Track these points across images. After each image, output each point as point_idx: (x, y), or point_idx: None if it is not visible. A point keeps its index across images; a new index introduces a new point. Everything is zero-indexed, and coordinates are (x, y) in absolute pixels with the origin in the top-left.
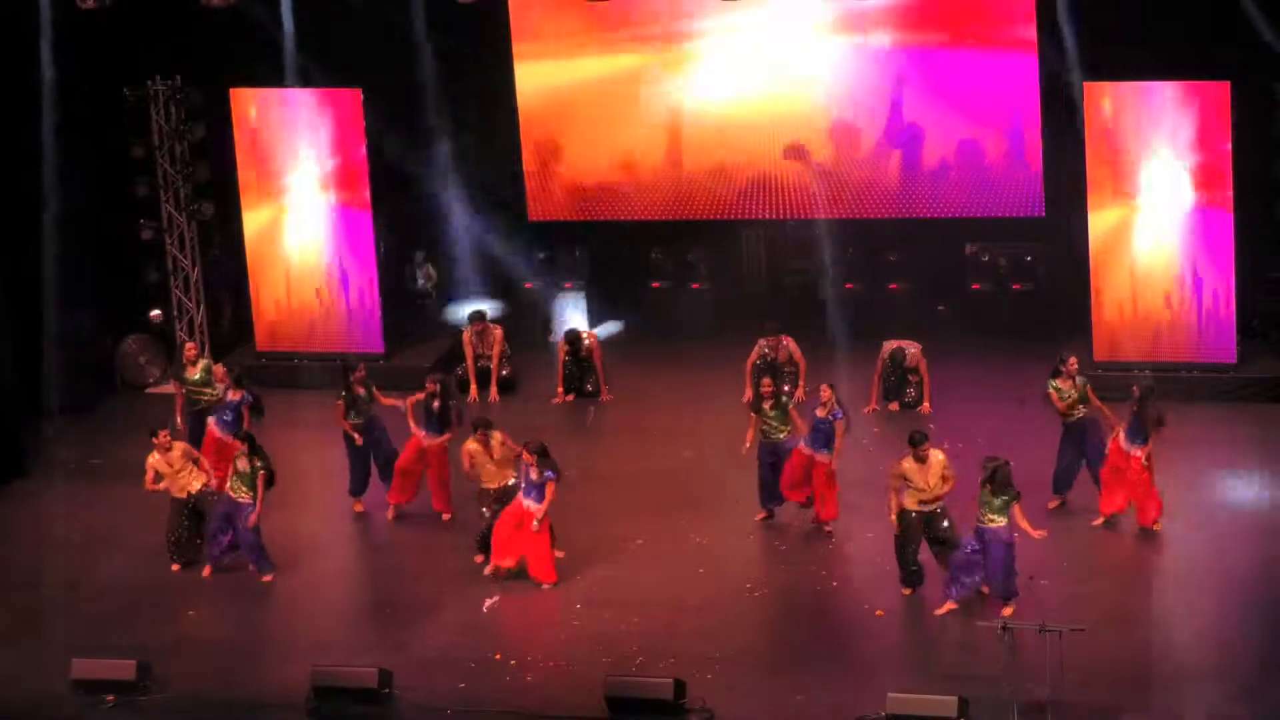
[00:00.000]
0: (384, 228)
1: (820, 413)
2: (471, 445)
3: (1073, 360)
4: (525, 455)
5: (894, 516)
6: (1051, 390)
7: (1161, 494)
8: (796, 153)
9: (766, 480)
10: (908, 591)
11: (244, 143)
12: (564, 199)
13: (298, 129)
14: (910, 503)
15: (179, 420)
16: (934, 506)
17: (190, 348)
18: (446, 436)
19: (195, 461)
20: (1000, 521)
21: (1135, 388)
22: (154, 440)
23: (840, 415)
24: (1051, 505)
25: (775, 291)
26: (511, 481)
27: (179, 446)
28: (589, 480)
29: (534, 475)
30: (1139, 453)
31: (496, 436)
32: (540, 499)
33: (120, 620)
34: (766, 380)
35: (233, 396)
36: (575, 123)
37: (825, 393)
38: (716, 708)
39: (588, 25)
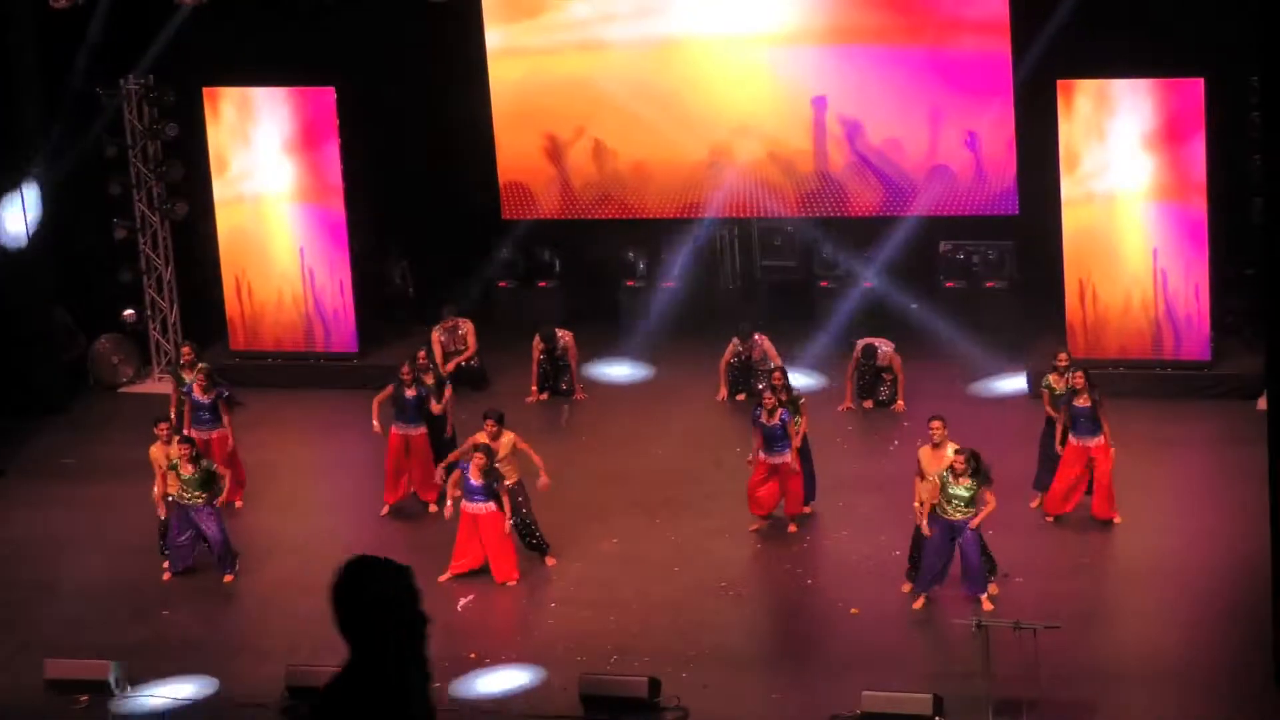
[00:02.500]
0: (358, 226)
1: (770, 420)
2: (480, 438)
3: (1062, 355)
4: (477, 458)
5: (916, 503)
6: (1044, 389)
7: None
8: (770, 151)
9: None
10: (908, 587)
11: (217, 141)
12: (539, 197)
13: (271, 127)
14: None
15: (173, 416)
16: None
17: (187, 350)
18: (422, 428)
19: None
20: (970, 513)
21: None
22: (155, 430)
23: (789, 416)
24: (1034, 504)
25: (751, 289)
26: (512, 481)
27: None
28: (563, 479)
29: (477, 480)
30: (1098, 443)
31: (508, 437)
32: (487, 499)
33: (94, 620)
34: (768, 397)
35: (202, 397)
36: (550, 120)
37: (769, 400)
38: (691, 706)
39: (561, 21)
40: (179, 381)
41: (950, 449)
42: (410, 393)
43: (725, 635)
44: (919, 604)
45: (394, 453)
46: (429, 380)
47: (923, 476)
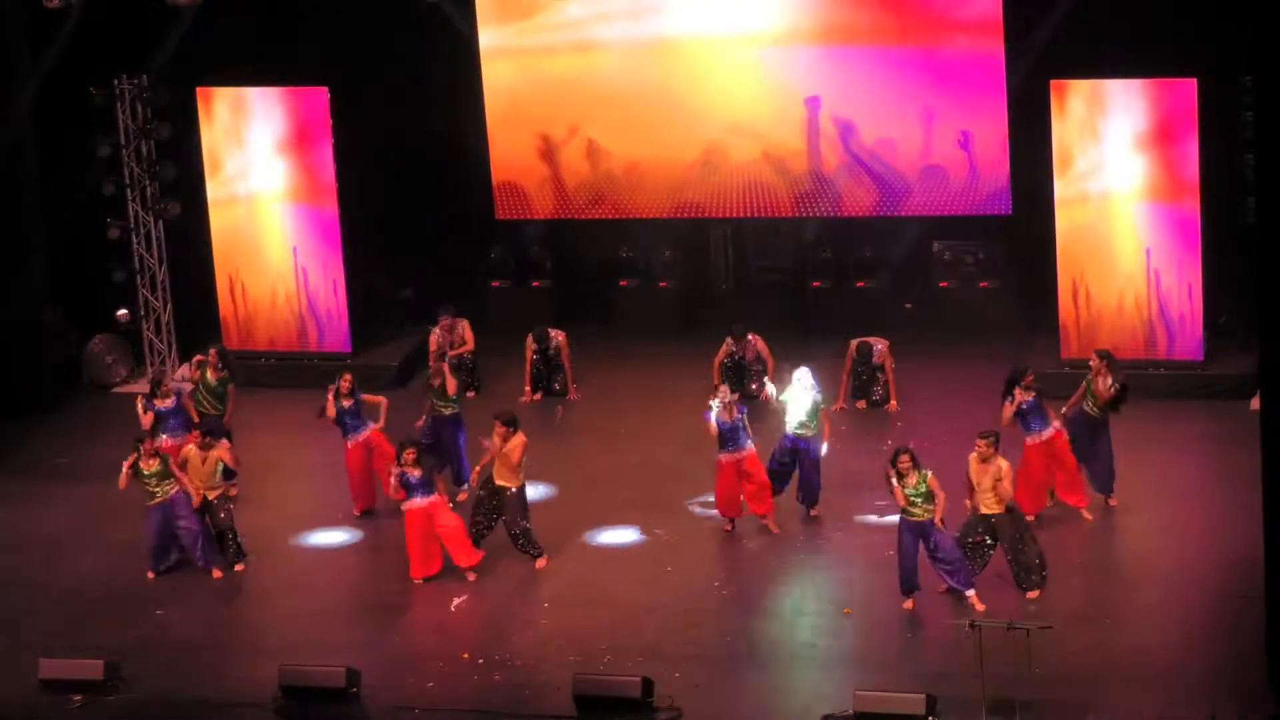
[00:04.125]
0: (351, 226)
1: (727, 417)
2: (497, 434)
3: (1093, 358)
4: (408, 452)
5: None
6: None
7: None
8: (764, 151)
9: (773, 472)
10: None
11: (211, 141)
12: (532, 197)
13: (264, 127)
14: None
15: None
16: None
17: (213, 354)
18: (371, 428)
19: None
20: (931, 509)
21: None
22: (200, 440)
23: (745, 409)
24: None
25: (744, 289)
26: (514, 487)
27: (222, 447)
28: (556, 479)
29: (415, 472)
30: (1051, 433)
31: (518, 439)
32: (429, 491)
33: (88, 620)
34: (723, 390)
35: (162, 404)
36: (543, 120)
37: (724, 392)
38: (684, 706)
39: (554, 21)
40: (204, 386)
41: (1000, 462)
42: (348, 403)
43: (718, 635)
44: (909, 604)
45: (355, 463)
46: (436, 383)
47: (971, 487)
